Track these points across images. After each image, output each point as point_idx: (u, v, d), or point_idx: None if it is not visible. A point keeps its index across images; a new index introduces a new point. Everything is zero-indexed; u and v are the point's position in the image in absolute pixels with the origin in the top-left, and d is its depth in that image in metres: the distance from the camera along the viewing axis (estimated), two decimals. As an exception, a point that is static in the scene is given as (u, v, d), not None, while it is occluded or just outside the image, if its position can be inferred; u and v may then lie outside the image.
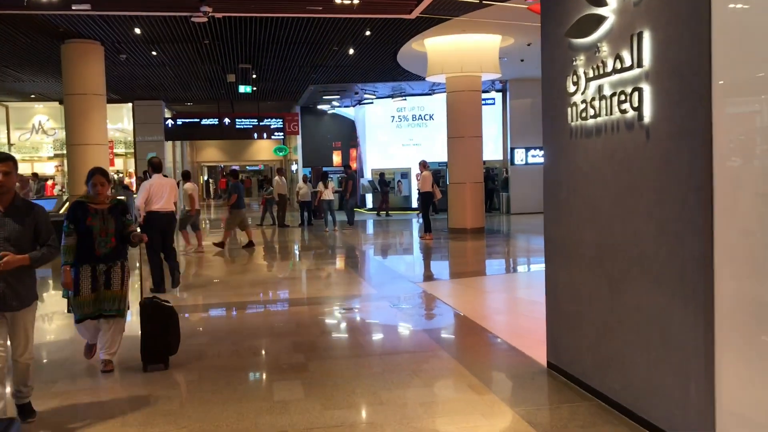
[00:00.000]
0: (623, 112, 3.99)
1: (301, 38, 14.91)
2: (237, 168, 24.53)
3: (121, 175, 24.76)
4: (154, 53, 16.13)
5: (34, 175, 21.61)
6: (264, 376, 5.38)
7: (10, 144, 24.13)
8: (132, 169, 24.90)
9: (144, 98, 23.74)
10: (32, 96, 22.59)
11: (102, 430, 4.18)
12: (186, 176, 13.34)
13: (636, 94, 3.84)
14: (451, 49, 15.53)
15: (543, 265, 5.35)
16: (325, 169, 22.89)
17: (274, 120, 24.96)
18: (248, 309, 8.37)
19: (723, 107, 3.24)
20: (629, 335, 3.99)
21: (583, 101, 4.44)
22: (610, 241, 4.18)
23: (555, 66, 4.89)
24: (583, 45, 4.44)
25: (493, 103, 23.40)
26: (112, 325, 5.39)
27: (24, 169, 23.29)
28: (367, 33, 14.48)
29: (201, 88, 22.95)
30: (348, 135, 28.42)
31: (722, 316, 3.27)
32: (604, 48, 4.18)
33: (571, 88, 4.59)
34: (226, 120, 24.36)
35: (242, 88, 19.36)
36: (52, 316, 7.86)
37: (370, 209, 25.46)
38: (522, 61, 18.03)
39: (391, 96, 25.01)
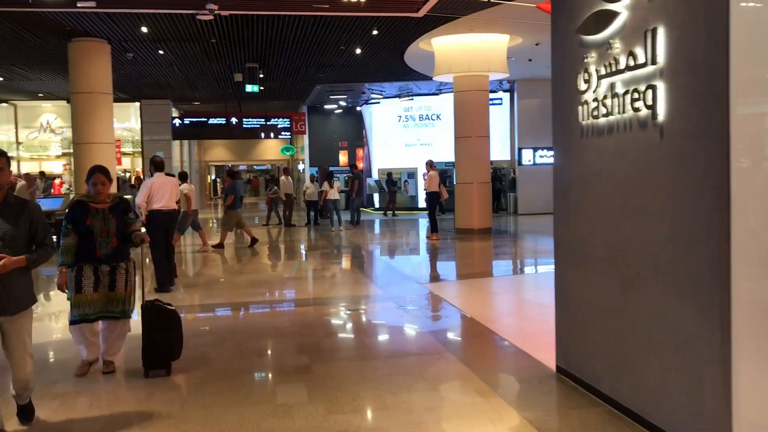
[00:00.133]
0: (636, 110, 3.88)
1: (308, 37, 14.83)
2: (243, 167, 24.46)
3: (128, 173, 24.77)
4: (161, 52, 16.09)
5: (42, 173, 21.61)
6: (267, 379, 5.30)
7: (18, 143, 24.18)
8: (139, 168, 24.89)
9: (151, 97, 23.73)
10: (40, 95, 22.60)
11: (101, 433, 4.12)
12: (183, 177, 13.26)
13: (650, 92, 3.73)
14: (459, 49, 15.43)
15: (551, 266, 5.25)
16: (331, 168, 22.80)
17: (281, 119, 24.91)
18: (252, 309, 8.29)
19: (741, 105, 3.13)
20: (641, 339, 3.89)
21: (595, 99, 4.34)
22: (621, 242, 4.08)
23: (565, 63, 4.78)
24: (594, 42, 4.34)
25: (501, 103, 23.27)
26: (116, 327, 5.29)
27: (32, 168, 23.35)
28: (374, 32, 14.39)
29: (208, 88, 22.92)
30: (354, 135, 28.34)
31: (739, 320, 3.16)
32: (617, 45, 4.07)
33: (582, 86, 4.49)
34: (234, 119, 24.32)
35: (249, 88, 19.29)
36: (57, 315, 7.80)
37: (377, 209, 25.36)
38: (530, 60, 17.91)
39: (398, 96, 24.91)
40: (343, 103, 26.98)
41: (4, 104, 23.71)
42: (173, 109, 25.91)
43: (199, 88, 23.01)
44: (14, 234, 3.82)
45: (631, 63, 3.91)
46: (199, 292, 9.22)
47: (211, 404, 4.55)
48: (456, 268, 11.94)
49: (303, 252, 14.70)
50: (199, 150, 36.06)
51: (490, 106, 16.85)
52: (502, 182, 23.52)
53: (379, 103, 25.75)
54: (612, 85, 4.15)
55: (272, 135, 25.48)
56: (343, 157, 28.29)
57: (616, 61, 4.08)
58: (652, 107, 3.72)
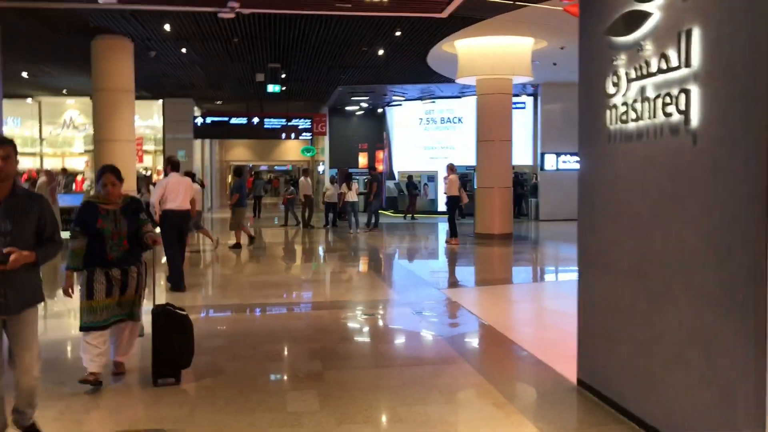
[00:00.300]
0: (668, 115, 3.70)
1: (331, 38, 14.74)
2: (264, 167, 24.42)
3: (149, 172, 24.85)
4: (183, 51, 16.08)
5: (64, 170, 21.76)
6: (278, 385, 5.17)
7: (41, 138, 24.39)
8: (160, 167, 24.98)
9: (174, 96, 23.80)
10: (64, 91, 22.76)
11: (107, 437, 4.01)
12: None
13: (683, 95, 3.55)
14: (483, 51, 15.24)
15: (573, 274, 5.08)
16: (350, 170, 22.70)
17: (302, 120, 24.86)
18: (265, 311, 8.17)
19: (782, 110, 2.95)
20: (669, 353, 3.70)
21: (624, 103, 4.16)
22: (650, 252, 3.89)
23: (593, 66, 4.60)
24: (624, 43, 4.16)
25: (524, 107, 22.99)
26: (126, 328, 5.13)
27: (55, 164, 23.52)
28: (397, 33, 14.25)
29: (230, 87, 22.93)
30: (374, 137, 28.20)
31: (776, 339, 2.97)
32: (648, 46, 3.90)
33: (611, 90, 4.31)
34: (255, 119, 24.30)
35: (271, 88, 19.24)
36: (68, 313, 7.74)
37: (397, 212, 25.18)
38: (555, 64, 17.65)
39: (420, 98, 24.75)
40: (364, 105, 26.87)
41: (28, 100, 23.92)
42: (195, 108, 25.99)
43: (221, 88, 23.03)
44: (22, 228, 3.59)
45: (664, 66, 3.73)
46: (211, 293, 9.15)
47: (220, 410, 4.43)
48: (475, 274, 11.76)
49: (318, 254, 14.60)
50: (221, 149, 36.16)
51: (513, 110, 16.63)
52: (523, 187, 23.26)
53: (401, 105, 25.60)
54: (642, 89, 3.97)
55: (293, 136, 25.44)
56: (362, 159, 28.18)
57: (648, 64, 3.90)
58: (685, 112, 3.54)
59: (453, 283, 10.68)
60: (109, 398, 4.71)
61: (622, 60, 4.19)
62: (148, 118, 24.96)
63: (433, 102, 24.53)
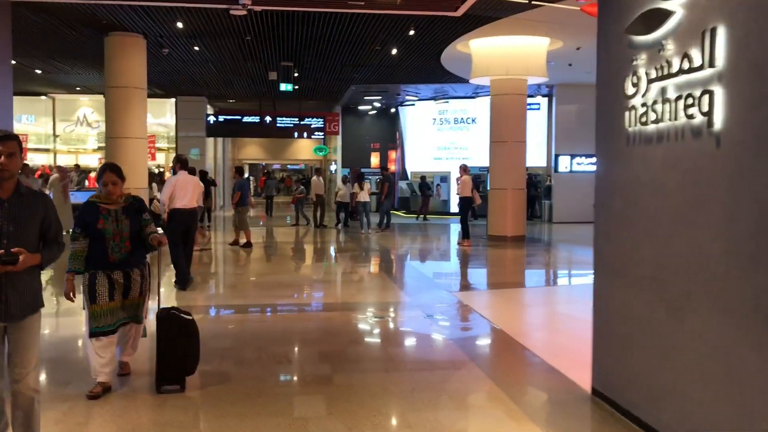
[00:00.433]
0: (690, 117, 3.57)
1: (344, 37, 14.65)
2: (277, 166, 24.38)
3: (162, 169, 24.89)
4: (196, 48, 16.05)
5: (77, 166, 21.82)
6: (285, 389, 5.07)
7: (55, 135, 24.51)
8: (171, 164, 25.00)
9: (187, 94, 23.82)
10: (77, 88, 22.83)
11: (109, 440, 3.93)
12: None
13: (706, 97, 3.42)
14: (497, 51, 15.10)
15: (587, 278, 4.96)
16: (362, 170, 22.60)
17: (315, 119, 24.81)
18: (274, 312, 8.08)
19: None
20: (688, 365, 3.57)
21: (644, 104, 4.03)
22: (669, 259, 3.76)
23: (612, 66, 4.47)
24: (645, 43, 4.03)
25: (538, 109, 22.79)
26: (131, 329, 5.01)
27: (68, 160, 23.60)
28: (411, 32, 14.13)
29: (243, 86, 22.90)
30: (386, 136, 28.08)
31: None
32: (670, 46, 3.76)
33: (630, 90, 4.18)
34: (267, 118, 24.27)
35: (284, 86, 19.18)
36: (71, 313, 7.68)
37: (410, 212, 25.04)
38: (570, 65, 17.47)
39: (434, 98, 24.60)
40: (377, 104, 26.77)
41: (42, 97, 24.03)
42: (208, 106, 26.00)
43: (234, 86, 23.01)
44: (26, 229, 3.43)
45: (686, 66, 3.60)
46: (218, 293, 9.07)
47: (225, 414, 4.34)
48: (487, 277, 11.62)
49: (329, 254, 14.51)
50: (233, 148, 36.19)
51: (528, 111, 16.47)
52: (537, 189, 23.07)
53: (414, 105, 25.47)
54: (663, 90, 3.84)
55: (305, 135, 25.40)
56: (375, 159, 28.08)
57: (669, 64, 3.77)
58: (708, 114, 3.41)
59: (465, 285, 10.55)
60: (113, 401, 4.62)
61: (642, 60, 4.06)
62: (161, 116, 25.02)
63: (447, 102, 24.37)
